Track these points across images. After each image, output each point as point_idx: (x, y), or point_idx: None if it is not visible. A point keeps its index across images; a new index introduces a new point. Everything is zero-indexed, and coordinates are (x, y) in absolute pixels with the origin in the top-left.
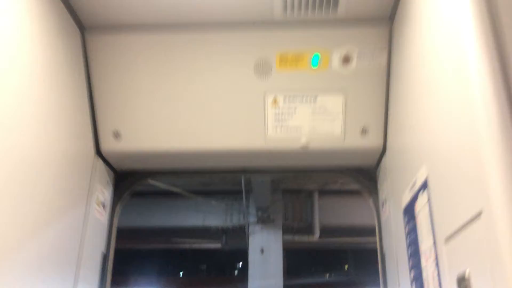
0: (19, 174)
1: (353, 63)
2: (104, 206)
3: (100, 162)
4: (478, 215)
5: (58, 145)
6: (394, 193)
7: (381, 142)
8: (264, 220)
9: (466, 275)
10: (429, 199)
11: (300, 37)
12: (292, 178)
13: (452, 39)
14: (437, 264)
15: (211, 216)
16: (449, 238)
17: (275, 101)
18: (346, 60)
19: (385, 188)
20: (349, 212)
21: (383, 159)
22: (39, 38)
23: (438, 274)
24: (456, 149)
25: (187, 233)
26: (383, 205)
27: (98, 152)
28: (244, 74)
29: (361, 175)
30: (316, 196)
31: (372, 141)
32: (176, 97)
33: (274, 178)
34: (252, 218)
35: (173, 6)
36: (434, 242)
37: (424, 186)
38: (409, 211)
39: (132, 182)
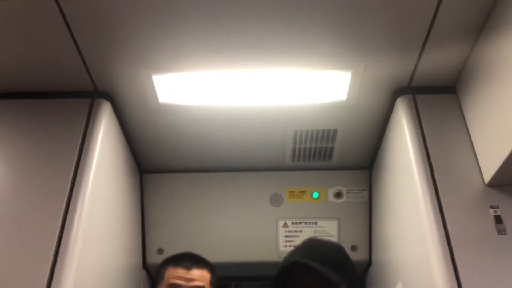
0: (94, 279)
1: (344, 198)
2: None
3: (144, 273)
4: None
5: (116, 260)
6: None
7: (367, 257)
8: None
9: None
10: None
11: (304, 179)
12: None
13: (409, 185)
14: None
15: None
16: None
17: (285, 224)
18: (338, 195)
19: None
20: None
21: (370, 269)
22: (113, 177)
23: None
24: (418, 268)
25: None
26: None
27: (145, 266)
28: (261, 204)
29: None
30: None
31: (360, 255)
32: (209, 222)
33: None
34: None
35: (214, 159)
36: None
37: None
38: None
39: None
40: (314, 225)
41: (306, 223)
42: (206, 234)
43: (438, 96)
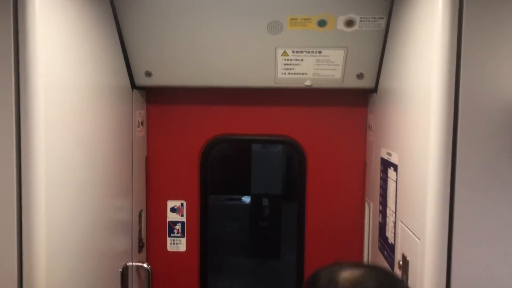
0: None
1: (355, 26)
2: (142, 124)
3: (135, 92)
4: None
5: (104, 80)
6: (377, 131)
7: (373, 85)
8: None
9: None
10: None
11: (309, 5)
12: None
13: (431, 19)
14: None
15: None
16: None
17: (285, 53)
18: (349, 23)
19: (371, 117)
20: None
21: (374, 96)
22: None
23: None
24: (420, 97)
25: None
26: (369, 128)
27: (134, 86)
28: (258, 31)
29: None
30: None
31: (366, 83)
32: (199, 47)
33: None
34: None
35: None
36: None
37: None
38: (385, 164)
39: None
40: (317, 54)
41: (308, 52)
42: (196, 59)
43: None
